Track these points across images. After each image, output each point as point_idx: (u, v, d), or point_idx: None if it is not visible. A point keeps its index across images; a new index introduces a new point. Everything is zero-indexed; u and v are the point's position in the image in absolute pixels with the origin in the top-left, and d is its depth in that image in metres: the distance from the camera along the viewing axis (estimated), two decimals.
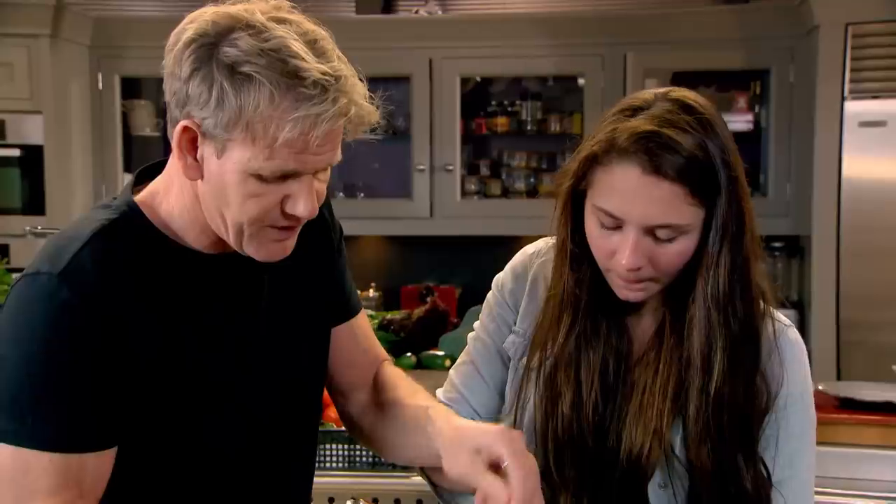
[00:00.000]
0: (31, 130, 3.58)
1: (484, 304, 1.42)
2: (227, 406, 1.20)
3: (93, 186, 3.87)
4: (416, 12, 4.01)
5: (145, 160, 4.28)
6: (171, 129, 1.09)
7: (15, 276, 2.48)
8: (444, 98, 3.81)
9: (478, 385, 1.38)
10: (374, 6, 4.12)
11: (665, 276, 1.22)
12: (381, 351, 1.46)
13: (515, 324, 1.36)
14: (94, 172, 3.87)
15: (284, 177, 1.08)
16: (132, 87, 3.98)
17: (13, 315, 1.09)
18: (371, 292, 4.05)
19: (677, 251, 1.19)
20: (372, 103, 1.09)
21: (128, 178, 4.18)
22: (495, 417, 1.39)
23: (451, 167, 3.84)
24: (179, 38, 1.07)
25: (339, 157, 1.11)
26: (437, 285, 4.05)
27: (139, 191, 1.21)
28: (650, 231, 1.17)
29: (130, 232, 1.15)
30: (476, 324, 1.42)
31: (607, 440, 1.27)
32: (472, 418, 1.37)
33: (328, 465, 2.25)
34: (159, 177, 1.20)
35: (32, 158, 3.60)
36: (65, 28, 3.64)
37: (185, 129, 1.07)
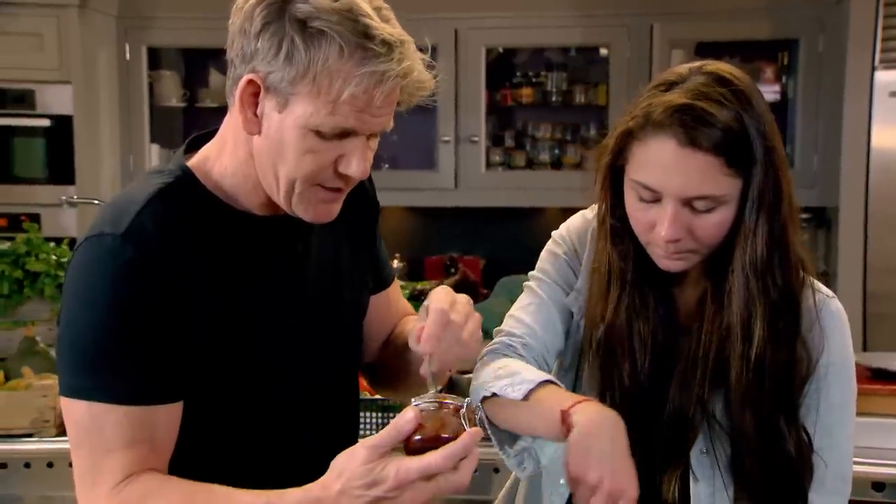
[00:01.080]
0: (61, 100, 3.60)
1: (545, 255, 1.42)
2: (277, 364, 1.24)
3: (120, 156, 3.90)
4: None
5: (171, 131, 4.31)
6: (232, 87, 1.12)
7: (52, 244, 2.51)
8: (469, 69, 3.80)
9: (552, 321, 1.36)
10: None
11: (704, 246, 1.23)
12: (408, 306, 1.52)
13: (578, 282, 1.37)
14: (122, 142, 3.89)
15: (342, 135, 1.11)
16: (158, 58, 3.99)
17: (80, 275, 1.13)
18: (396, 263, 4.07)
19: (715, 222, 1.20)
20: (430, 73, 1.13)
21: (155, 148, 4.20)
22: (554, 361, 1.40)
23: (475, 138, 3.84)
24: None
25: (392, 123, 1.14)
26: (461, 256, 4.07)
27: (189, 157, 1.24)
28: (688, 202, 1.19)
29: (185, 194, 1.18)
30: (535, 273, 1.41)
31: (654, 407, 1.30)
32: (543, 355, 1.36)
33: (362, 433, 2.29)
34: (211, 142, 1.24)
35: (62, 128, 3.62)
36: None
37: (250, 82, 1.10)
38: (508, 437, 1.30)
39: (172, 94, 4.02)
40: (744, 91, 1.20)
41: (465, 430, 1.08)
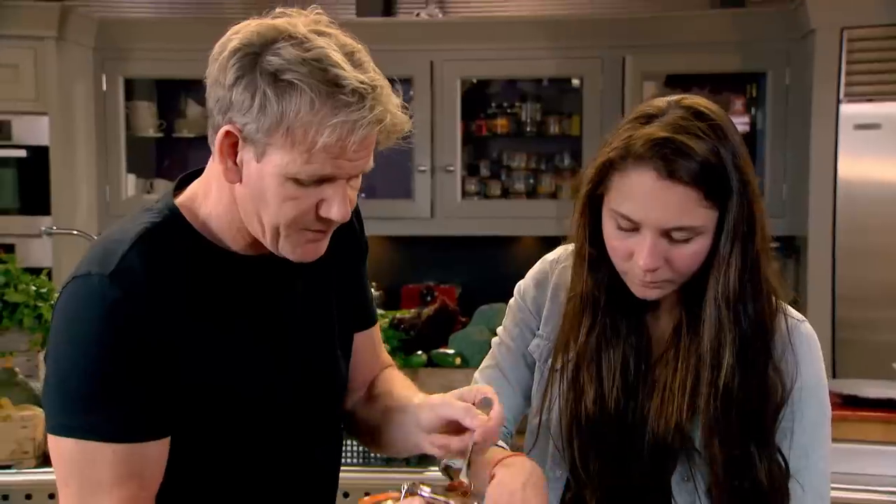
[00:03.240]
0: (37, 131, 3.60)
1: (507, 311, 1.46)
2: (261, 402, 1.24)
3: (97, 187, 3.89)
4: (417, 15, 4.05)
5: (147, 161, 4.32)
6: (213, 135, 1.14)
7: (30, 276, 2.51)
8: (445, 100, 3.85)
9: (504, 388, 1.41)
10: (375, 9, 4.16)
11: (681, 275, 1.26)
12: (388, 358, 1.52)
13: (539, 328, 1.41)
14: (98, 172, 3.89)
15: (320, 181, 1.12)
16: (133, 89, 4.01)
17: (67, 315, 1.14)
18: (373, 291, 4.07)
19: (692, 252, 1.24)
20: (405, 113, 1.14)
21: (131, 178, 4.19)
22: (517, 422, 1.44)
23: (451, 168, 3.88)
24: (225, 48, 1.12)
25: (371, 164, 1.15)
26: (437, 284, 4.09)
27: (178, 195, 1.25)
28: (666, 233, 1.22)
29: (172, 234, 1.19)
30: (499, 329, 1.47)
31: (631, 436, 1.32)
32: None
33: (344, 461, 2.29)
34: (197, 180, 1.25)
35: (38, 159, 3.61)
36: (70, 30, 3.66)
37: (227, 133, 1.11)
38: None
39: (149, 125, 4.04)
40: (720, 125, 1.23)
41: None
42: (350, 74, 1.08)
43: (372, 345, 1.46)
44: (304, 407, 1.30)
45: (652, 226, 1.22)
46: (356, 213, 1.39)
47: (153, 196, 4.05)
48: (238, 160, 1.13)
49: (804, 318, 1.36)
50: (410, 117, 1.16)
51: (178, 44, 3.84)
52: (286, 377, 1.27)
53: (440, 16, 4.05)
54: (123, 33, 3.88)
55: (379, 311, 2.98)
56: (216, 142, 1.13)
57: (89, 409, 1.12)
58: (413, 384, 1.43)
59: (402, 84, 3.93)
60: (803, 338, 1.34)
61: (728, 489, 1.28)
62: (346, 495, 2.33)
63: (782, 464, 1.30)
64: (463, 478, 1.17)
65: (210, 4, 4.33)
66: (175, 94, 4.09)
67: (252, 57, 1.09)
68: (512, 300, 1.46)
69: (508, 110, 4.03)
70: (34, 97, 3.59)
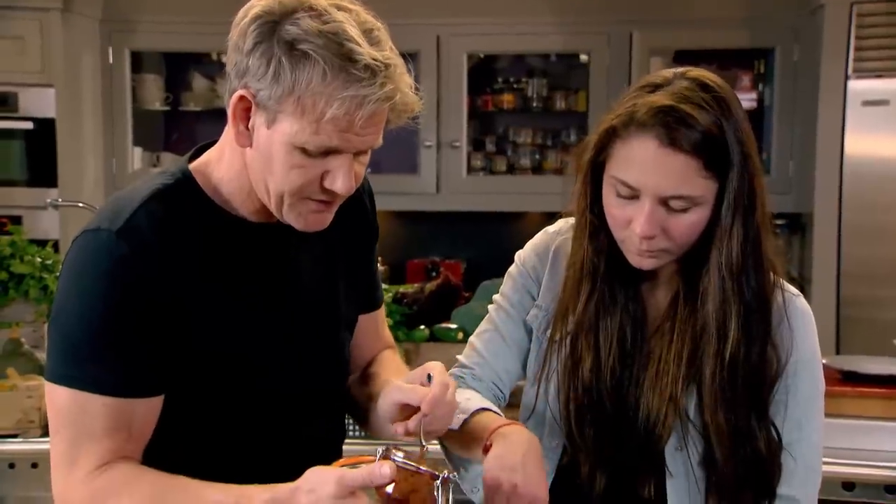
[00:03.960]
0: (43, 103, 3.60)
1: (506, 277, 1.47)
2: (264, 367, 1.26)
3: (103, 159, 3.90)
4: None
5: (154, 134, 4.32)
6: (228, 99, 1.15)
7: (36, 247, 2.53)
8: (451, 75, 3.84)
9: (502, 349, 1.43)
10: None
11: (677, 245, 1.27)
12: (390, 338, 1.53)
13: (538, 297, 1.42)
14: (105, 145, 3.90)
15: (327, 153, 1.13)
16: (141, 62, 4.00)
17: (74, 267, 1.17)
18: (378, 266, 4.09)
19: (690, 222, 1.24)
20: (416, 94, 1.15)
21: (138, 151, 4.20)
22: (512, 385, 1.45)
23: (457, 143, 3.87)
24: (247, 14, 1.14)
25: (380, 141, 1.16)
26: (442, 260, 4.10)
27: (194, 162, 1.27)
28: (664, 201, 1.22)
29: (183, 196, 1.22)
30: (496, 296, 1.47)
31: (626, 405, 1.33)
32: (495, 382, 1.43)
33: (356, 433, 2.32)
34: (213, 147, 1.27)
35: (44, 131, 3.62)
36: (76, 1, 3.65)
37: (241, 98, 1.13)
38: (462, 463, 1.37)
39: (155, 98, 4.04)
40: (724, 98, 1.24)
41: (434, 500, 1.12)
42: (364, 50, 1.09)
43: (375, 327, 1.47)
44: (307, 376, 1.31)
45: (651, 193, 1.22)
46: (369, 194, 1.40)
47: (160, 168, 4.04)
48: (250, 125, 1.15)
49: (799, 293, 1.37)
50: (420, 98, 1.16)
51: (186, 17, 3.83)
52: (292, 346, 1.29)
53: None
54: (130, 5, 3.87)
55: (383, 286, 3.00)
56: (230, 105, 1.14)
57: (87, 361, 1.15)
58: (405, 368, 1.43)
59: (410, 58, 3.91)
60: (798, 312, 1.35)
61: (729, 459, 1.29)
62: None
63: (776, 436, 1.31)
64: (420, 450, 1.17)
65: None
66: (182, 67, 4.09)
67: (271, 25, 1.10)
68: (512, 267, 1.47)
69: (515, 86, 4.02)
70: (40, 69, 3.59)
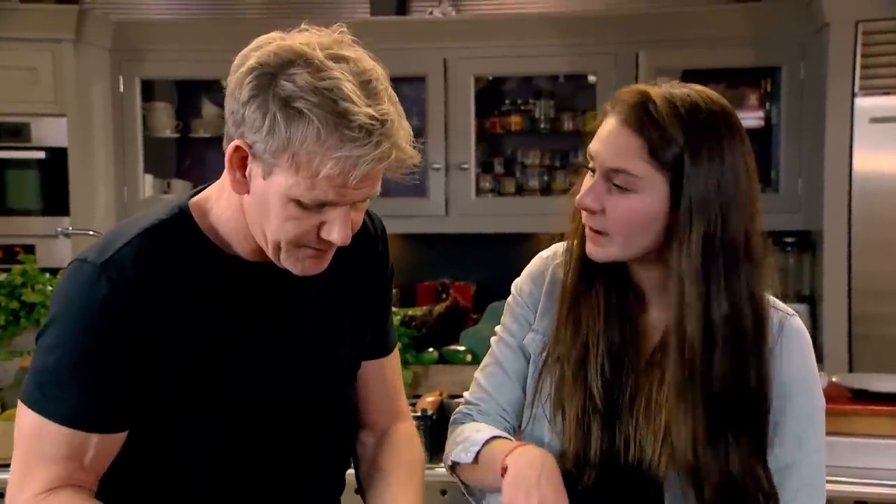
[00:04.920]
0: (56, 133, 3.65)
1: (505, 308, 1.48)
2: (253, 410, 1.26)
3: (115, 187, 3.93)
4: (430, 13, 4.06)
5: (164, 161, 4.35)
6: (226, 144, 1.16)
7: (47, 275, 2.55)
8: (459, 97, 3.86)
9: (504, 382, 1.44)
10: (388, 7, 4.17)
11: (616, 229, 1.28)
12: (405, 406, 1.51)
13: (535, 322, 1.43)
14: (116, 173, 3.93)
15: (323, 205, 1.14)
16: (151, 90, 4.05)
17: (60, 295, 1.20)
18: (392, 310, 4.10)
19: (628, 206, 1.26)
20: (414, 146, 1.15)
21: (148, 179, 4.24)
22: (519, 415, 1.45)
23: (465, 165, 3.89)
24: (244, 63, 1.14)
25: (377, 190, 1.16)
26: (452, 282, 4.11)
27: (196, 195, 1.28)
28: (608, 176, 1.27)
29: (176, 233, 1.22)
30: (497, 328, 1.49)
31: (615, 441, 1.32)
32: (501, 415, 1.44)
33: None
34: (215, 183, 1.28)
35: (56, 160, 3.66)
36: (87, 32, 3.71)
37: (237, 148, 1.14)
38: (481, 494, 1.41)
39: (166, 125, 4.07)
40: (715, 110, 1.27)
41: None
42: (360, 109, 1.08)
43: (381, 377, 1.44)
44: (303, 420, 1.31)
45: (599, 165, 1.28)
46: (382, 237, 1.42)
47: (171, 196, 4.09)
48: (247, 173, 1.16)
49: (794, 313, 1.37)
50: (419, 150, 1.16)
51: (194, 45, 3.88)
52: (285, 388, 1.28)
53: (453, 13, 4.06)
54: (139, 35, 3.91)
55: (392, 309, 3.01)
56: (227, 153, 1.15)
57: (53, 388, 1.18)
58: (414, 472, 1.40)
59: (416, 82, 3.96)
60: (793, 331, 1.34)
61: (723, 494, 1.27)
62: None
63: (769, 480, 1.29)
64: None
65: (226, 5, 4.37)
66: (192, 94, 4.13)
67: (268, 78, 1.10)
68: (510, 298, 1.48)
69: (522, 107, 4.03)
70: (52, 99, 3.64)
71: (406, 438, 1.46)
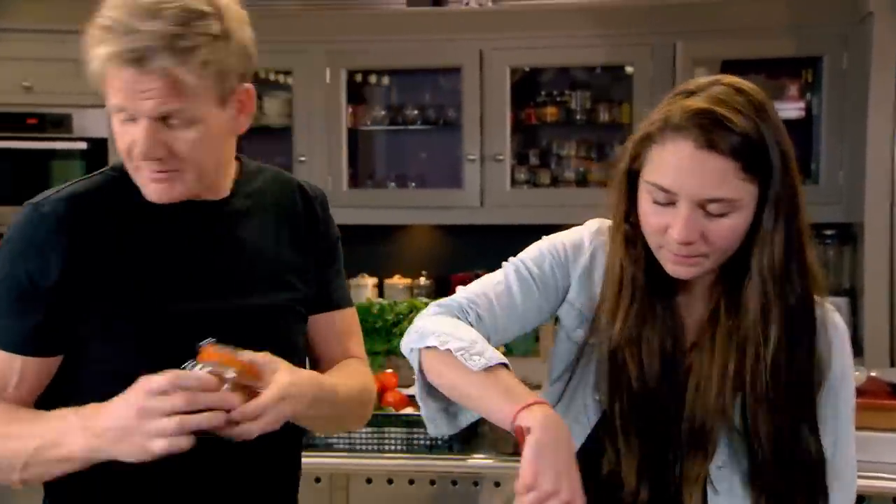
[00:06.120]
0: (97, 124, 3.70)
1: (533, 248, 1.44)
2: (167, 340, 1.30)
3: None
4: (467, 4, 4.05)
5: None
6: None
7: None
8: (495, 89, 3.85)
9: (511, 310, 1.38)
10: None
11: (717, 252, 1.25)
12: (358, 351, 1.54)
13: (568, 292, 1.40)
14: None
15: (129, 120, 1.26)
16: None
17: (5, 234, 1.35)
18: (422, 280, 4.12)
19: (729, 226, 1.23)
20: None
21: None
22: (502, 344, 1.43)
23: (501, 157, 3.88)
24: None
25: (171, 106, 1.23)
26: (487, 272, 4.10)
27: None
28: (702, 205, 1.22)
29: (109, 181, 1.36)
30: (514, 259, 1.43)
31: (669, 419, 1.32)
32: (491, 334, 1.36)
33: (388, 447, 2.33)
34: None
35: (97, 150, 3.72)
36: None
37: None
38: (431, 393, 1.33)
39: None
40: (760, 101, 1.24)
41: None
42: (109, 13, 1.23)
43: (330, 330, 1.50)
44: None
45: (687, 196, 1.21)
46: (322, 203, 1.50)
47: None
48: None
49: (835, 309, 1.36)
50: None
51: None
52: (214, 320, 1.32)
53: (490, 4, 4.05)
54: None
55: (425, 300, 3.01)
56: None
57: None
58: (355, 373, 1.46)
59: (451, 73, 3.94)
60: (837, 327, 1.34)
61: (773, 467, 1.27)
62: (390, 482, 2.35)
63: (820, 445, 1.29)
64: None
65: None
66: None
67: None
68: (543, 243, 1.44)
69: (558, 98, 4.02)
70: (94, 90, 3.68)
71: (347, 361, 1.50)
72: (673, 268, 1.28)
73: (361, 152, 4.12)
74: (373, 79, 4.09)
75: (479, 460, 2.30)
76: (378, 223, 4.04)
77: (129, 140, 1.26)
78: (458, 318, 1.34)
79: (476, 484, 2.35)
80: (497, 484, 2.28)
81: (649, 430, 1.31)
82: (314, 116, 3.94)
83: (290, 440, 1.45)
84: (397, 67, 3.97)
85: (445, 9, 4.17)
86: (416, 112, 4.02)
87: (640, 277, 1.32)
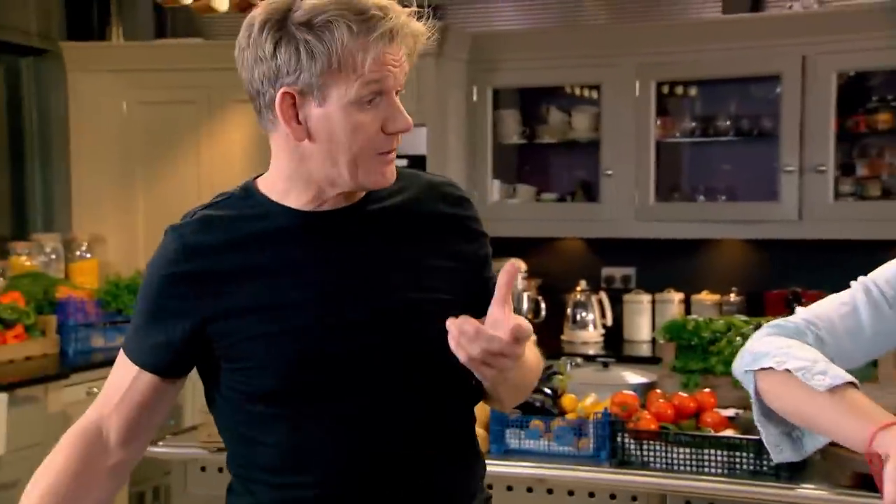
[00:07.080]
0: (417, 141, 3.93)
1: (890, 267, 1.33)
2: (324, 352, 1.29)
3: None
4: (790, 7, 3.84)
5: (510, 167, 4.52)
6: (268, 112, 1.26)
7: None
8: (818, 95, 3.62)
9: (858, 332, 1.29)
10: (742, 4, 4.00)
11: None
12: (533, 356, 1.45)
13: None
14: (468, 178, 4.16)
15: (376, 96, 1.23)
16: (498, 98, 4.22)
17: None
18: (732, 296, 3.95)
19: None
20: (419, 19, 1.26)
21: (496, 184, 4.42)
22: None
23: (823, 168, 3.64)
24: (250, 31, 1.25)
25: (406, 71, 1.26)
26: (805, 290, 3.85)
27: None
28: None
29: (238, 199, 1.35)
30: (866, 278, 1.34)
31: None
32: (833, 358, 1.27)
33: (707, 469, 2.24)
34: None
35: (416, 167, 3.95)
36: (448, 46, 3.96)
37: (284, 95, 1.23)
38: (770, 417, 1.26)
39: (513, 132, 4.24)
40: None
41: None
42: (366, 1, 1.22)
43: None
44: (386, 364, 1.30)
45: None
46: (474, 213, 1.43)
47: (515, 200, 4.26)
48: (301, 118, 1.24)
49: None
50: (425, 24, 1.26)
51: (542, 52, 4.01)
52: (342, 333, 1.29)
53: (815, 6, 3.80)
54: (494, 46, 4.11)
55: (741, 318, 2.86)
56: (277, 109, 1.24)
57: (131, 331, 1.38)
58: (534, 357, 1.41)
59: (765, 82, 3.76)
60: None
61: None
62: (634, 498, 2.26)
63: None
64: None
65: (572, 11, 4.45)
66: (536, 101, 4.26)
67: (279, 21, 1.22)
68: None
69: (892, 104, 3.69)
70: (415, 110, 3.92)
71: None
72: None
73: (666, 165, 4.04)
74: (679, 90, 4.01)
75: (809, 490, 2.13)
76: (687, 237, 3.94)
77: (379, 120, 1.24)
78: (792, 338, 1.28)
79: None
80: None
81: None
82: (622, 130, 3.93)
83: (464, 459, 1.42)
84: (708, 77, 3.86)
85: (766, 14, 3.98)
86: (727, 123, 3.88)
87: None
